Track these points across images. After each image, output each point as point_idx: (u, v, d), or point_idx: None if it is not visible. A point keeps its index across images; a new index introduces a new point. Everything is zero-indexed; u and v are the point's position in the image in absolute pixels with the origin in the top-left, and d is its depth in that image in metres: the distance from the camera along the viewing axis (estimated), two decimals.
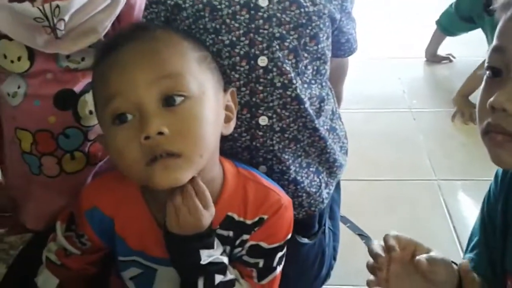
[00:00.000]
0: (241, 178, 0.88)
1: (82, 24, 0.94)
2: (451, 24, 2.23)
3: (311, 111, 0.97)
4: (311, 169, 1.02)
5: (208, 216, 0.80)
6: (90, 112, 0.99)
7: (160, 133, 0.72)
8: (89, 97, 0.98)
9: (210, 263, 0.81)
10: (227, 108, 0.85)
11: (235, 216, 0.86)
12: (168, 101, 0.74)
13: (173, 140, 0.73)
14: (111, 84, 0.76)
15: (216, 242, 0.82)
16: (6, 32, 0.92)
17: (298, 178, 1.01)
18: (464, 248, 1.43)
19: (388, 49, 2.54)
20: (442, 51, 2.44)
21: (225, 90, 0.85)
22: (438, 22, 2.30)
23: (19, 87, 0.98)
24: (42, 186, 1.05)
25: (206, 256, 0.80)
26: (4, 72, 0.98)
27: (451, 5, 2.22)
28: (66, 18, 0.92)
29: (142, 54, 0.76)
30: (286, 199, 0.89)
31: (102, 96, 0.78)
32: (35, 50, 0.95)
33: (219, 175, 0.86)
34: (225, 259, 0.84)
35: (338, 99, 1.16)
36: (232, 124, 0.86)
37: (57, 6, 0.90)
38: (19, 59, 0.95)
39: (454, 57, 2.42)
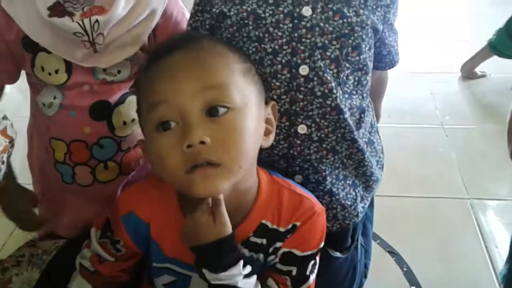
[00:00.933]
0: (276, 186, 0.88)
1: (119, 38, 0.95)
2: (501, 44, 2.19)
3: (350, 122, 0.96)
4: (347, 181, 1.01)
5: (216, 231, 0.80)
6: (124, 123, 1.00)
7: (202, 142, 0.73)
8: (123, 108, 0.99)
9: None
10: (267, 121, 0.86)
11: (269, 224, 0.86)
12: (211, 112, 0.76)
13: (214, 149, 0.74)
14: (158, 92, 0.77)
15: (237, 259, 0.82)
16: (46, 45, 0.94)
17: (334, 189, 1.00)
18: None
19: (421, 63, 2.51)
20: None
21: (266, 103, 0.86)
22: (489, 41, 2.25)
23: (54, 98, 0.99)
24: (74, 194, 1.06)
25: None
26: (41, 83, 1.00)
27: (504, 25, 2.17)
28: (105, 32, 0.93)
29: (189, 64, 0.77)
30: (319, 206, 0.89)
31: (147, 102, 0.79)
32: (73, 63, 0.96)
33: (255, 184, 0.87)
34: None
35: (377, 115, 1.15)
36: (272, 137, 0.87)
37: (96, 20, 0.91)
38: (56, 72, 0.97)
39: (488, 74, 2.39)
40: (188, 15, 1.00)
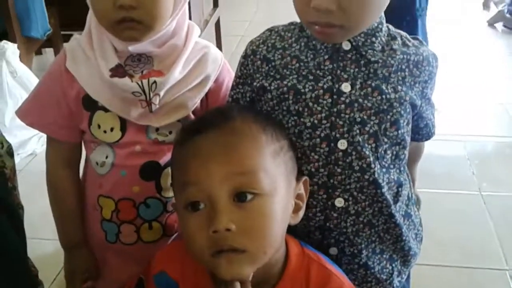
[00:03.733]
0: (306, 259, 0.88)
1: (174, 100, 1.00)
2: None
3: (388, 196, 0.96)
4: (384, 255, 1.00)
5: None
6: (171, 184, 1.02)
7: (228, 229, 0.75)
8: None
9: None
10: (298, 196, 0.87)
11: None
12: (239, 197, 0.77)
13: (240, 237, 0.76)
14: (188, 172, 0.80)
15: None
16: (104, 103, 0.99)
17: (369, 263, 0.99)
18: None
19: (457, 127, 2.49)
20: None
21: (297, 179, 0.87)
22: None
23: (107, 157, 1.03)
24: (116, 253, 1.08)
25: None
26: (95, 142, 1.04)
27: None
28: (161, 93, 0.97)
29: (220, 147, 0.79)
30: (347, 285, 0.88)
31: (179, 180, 0.83)
32: (128, 122, 1.00)
33: (282, 255, 0.87)
34: None
35: (412, 180, 1.15)
36: (301, 213, 0.87)
37: (154, 81, 0.96)
38: (112, 129, 1.01)
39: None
40: None
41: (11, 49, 2.26)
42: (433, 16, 3.04)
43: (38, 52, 3.07)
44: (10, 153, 1.12)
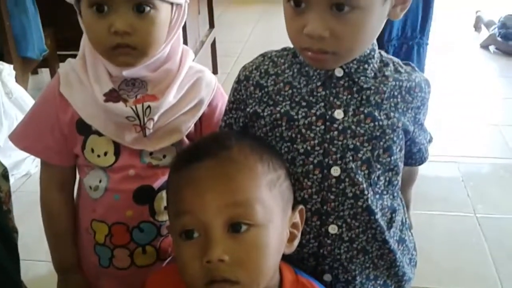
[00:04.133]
0: (300, 286, 0.88)
1: (168, 124, 1.00)
2: None
3: (381, 222, 0.96)
4: (378, 281, 0.99)
5: None
6: (165, 208, 1.02)
7: (221, 260, 0.75)
8: (165, 194, 1.01)
9: None
10: (293, 225, 0.86)
11: None
12: (234, 228, 0.77)
13: (233, 268, 0.76)
14: (184, 201, 0.80)
15: None
16: (98, 128, 0.99)
17: None
18: None
19: (452, 149, 2.49)
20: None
21: (293, 208, 0.87)
22: None
23: (100, 181, 1.03)
24: (109, 278, 1.07)
25: None
26: (89, 166, 1.03)
27: None
28: (155, 118, 0.98)
29: (216, 177, 0.79)
30: None
31: (173, 208, 0.83)
32: (121, 146, 1.00)
33: (277, 283, 0.86)
34: None
35: (407, 203, 1.15)
36: (296, 242, 0.87)
37: (148, 106, 0.97)
38: (105, 154, 1.01)
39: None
40: None
41: (7, 70, 2.26)
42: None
43: (34, 72, 3.07)
44: (5, 176, 1.11)
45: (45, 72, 3.17)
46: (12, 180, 2.17)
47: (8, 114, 2.24)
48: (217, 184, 0.79)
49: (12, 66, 2.33)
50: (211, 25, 3.33)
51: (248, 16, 4.64)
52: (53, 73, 2.88)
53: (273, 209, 0.81)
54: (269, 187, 0.82)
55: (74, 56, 1.04)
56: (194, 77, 1.03)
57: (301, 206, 0.89)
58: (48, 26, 2.77)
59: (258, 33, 4.19)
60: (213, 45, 3.31)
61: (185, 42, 2.54)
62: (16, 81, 2.37)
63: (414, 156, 1.06)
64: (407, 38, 2.01)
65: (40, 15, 2.65)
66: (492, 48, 3.81)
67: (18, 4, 2.51)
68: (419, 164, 1.10)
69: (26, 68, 2.66)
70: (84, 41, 1.00)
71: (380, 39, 1.92)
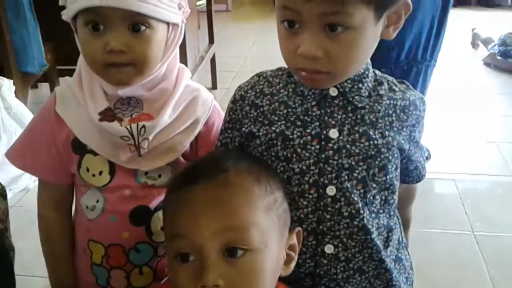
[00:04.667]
0: None
1: (163, 143, 1.00)
2: None
3: (378, 242, 0.95)
4: None
5: None
6: (162, 229, 1.01)
7: (216, 285, 0.74)
8: (162, 214, 1.01)
9: None
10: (290, 247, 0.86)
11: None
12: (229, 252, 0.77)
13: None
14: (179, 225, 0.79)
15: None
16: (93, 147, 0.99)
17: None
18: None
19: (450, 166, 2.49)
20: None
21: (290, 230, 0.87)
22: None
23: (97, 201, 1.02)
24: None
25: None
26: (86, 185, 1.03)
27: None
28: (150, 137, 0.98)
29: (212, 201, 0.79)
30: None
31: (169, 230, 0.82)
32: (116, 166, 1.00)
33: None
34: None
35: (407, 221, 1.14)
36: (293, 264, 0.87)
37: (143, 126, 0.96)
38: (100, 173, 1.00)
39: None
40: None
41: (7, 85, 2.27)
42: None
43: (34, 86, 3.08)
44: (3, 195, 1.12)
45: (45, 86, 3.18)
46: (10, 195, 2.19)
47: (7, 129, 2.24)
48: (213, 208, 0.78)
49: (12, 81, 2.34)
50: (211, 40, 3.35)
51: (247, 31, 4.67)
52: (53, 87, 2.89)
53: (269, 233, 0.80)
54: (266, 211, 0.81)
55: (74, 70, 1.04)
56: (190, 96, 1.03)
57: (298, 228, 0.88)
58: (48, 41, 2.78)
59: (257, 49, 4.21)
60: (213, 60, 3.32)
61: (185, 57, 2.56)
62: (16, 96, 2.37)
63: (411, 174, 1.06)
64: (417, 61, 1.98)
65: (41, 29, 2.66)
66: (491, 65, 3.83)
67: (18, 18, 2.52)
68: (416, 182, 1.10)
69: (25, 83, 2.67)
70: (81, 60, 1.00)
71: (387, 60, 1.93)
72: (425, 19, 1.93)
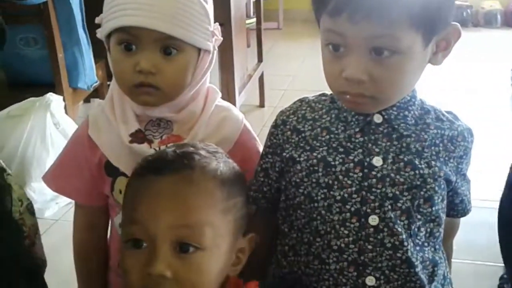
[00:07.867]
0: None
1: None
2: None
3: (422, 276, 0.91)
4: None
5: None
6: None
7: (163, 276, 0.75)
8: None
9: None
10: (240, 250, 0.86)
11: None
12: (182, 248, 0.78)
13: (173, 286, 0.76)
14: (138, 211, 0.80)
15: None
16: (124, 170, 0.99)
17: None
18: None
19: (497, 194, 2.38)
20: None
21: (244, 234, 0.86)
22: None
23: None
24: None
25: None
26: (119, 206, 1.03)
27: None
28: None
29: (173, 195, 0.79)
30: None
31: (127, 214, 0.83)
32: None
33: None
34: None
35: (448, 256, 1.09)
36: (240, 267, 0.86)
37: None
38: None
39: None
40: (261, 148, 1.03)
41: (56, 101, 2.32)
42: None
43: (87, 101, 3.15)
44: (31, 211, 1.12)
45: (97, 101, 3.25)
46: (56, 208, 2.24)
47: (55, 144, 2.28)
48: (173, 203, 0.79)
49: (61, 97, 2.39)
50: (260, 59, 3.36)
51: (297, 50, 4.64)
52: None
53: (223, 236, 0.81)
54: (224, 214, 0.81)
55: None
56: (219, 116, 1.02)
57: (251, 235, 0.87)
58: (100, 57, 2.84)
59: (306, 67, 4.18)
60: (261, 78, 3.32)
61: (232, 75, 2.55)
62: (66, 111, 2.42)
63: (457, 208, 1.02)
64: None
65: (93, 47, 2.72)
66: None
67: (71, 36, 2.58)
68: (462, 216, 1.06)
69: (76, 99, 2.72)
70: (113, 83, 1.01)
71: None
72: None
